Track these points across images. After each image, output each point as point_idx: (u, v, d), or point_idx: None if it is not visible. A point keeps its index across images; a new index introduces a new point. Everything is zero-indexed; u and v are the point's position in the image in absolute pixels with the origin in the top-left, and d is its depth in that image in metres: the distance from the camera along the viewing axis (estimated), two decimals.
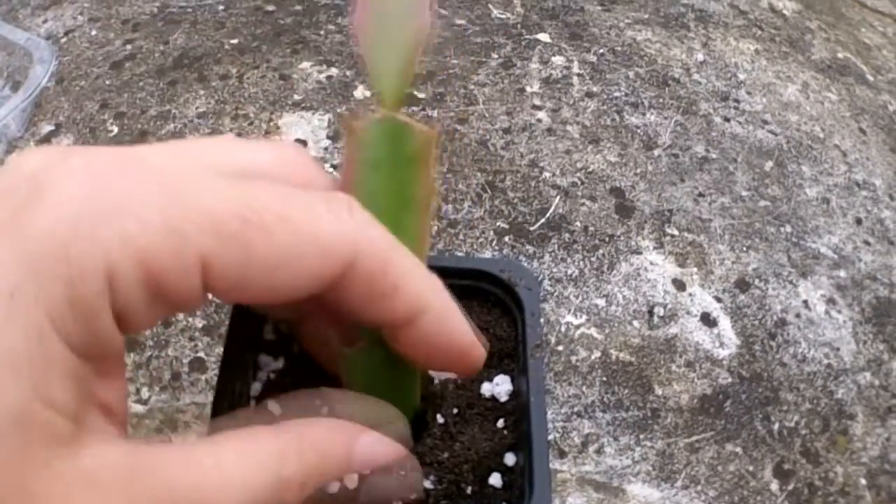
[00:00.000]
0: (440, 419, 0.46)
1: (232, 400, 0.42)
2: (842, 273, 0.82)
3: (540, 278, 0.75)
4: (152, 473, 0.25)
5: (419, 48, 0.34)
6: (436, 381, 0.48)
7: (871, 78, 1.11)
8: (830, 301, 0.79)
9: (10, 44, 0.95)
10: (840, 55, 1.14)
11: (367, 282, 0.29)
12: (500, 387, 0.48)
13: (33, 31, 1.03)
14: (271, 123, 0.89)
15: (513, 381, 0.48)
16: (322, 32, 1.01)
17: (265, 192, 0.27)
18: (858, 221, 0.88)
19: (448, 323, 0.33)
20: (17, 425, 0.23)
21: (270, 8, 1.06)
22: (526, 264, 0.76)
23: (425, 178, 0.36)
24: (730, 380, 0.71)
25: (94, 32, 1.03)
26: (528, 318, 0.48)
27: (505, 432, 0.46)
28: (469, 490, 0.43)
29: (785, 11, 1.20)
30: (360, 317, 0.31)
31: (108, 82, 0.95)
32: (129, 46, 1.00)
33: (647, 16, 1.11)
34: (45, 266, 0.23)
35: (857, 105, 1.04)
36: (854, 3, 1.32)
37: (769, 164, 0.91)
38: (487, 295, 0.51)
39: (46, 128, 0.89)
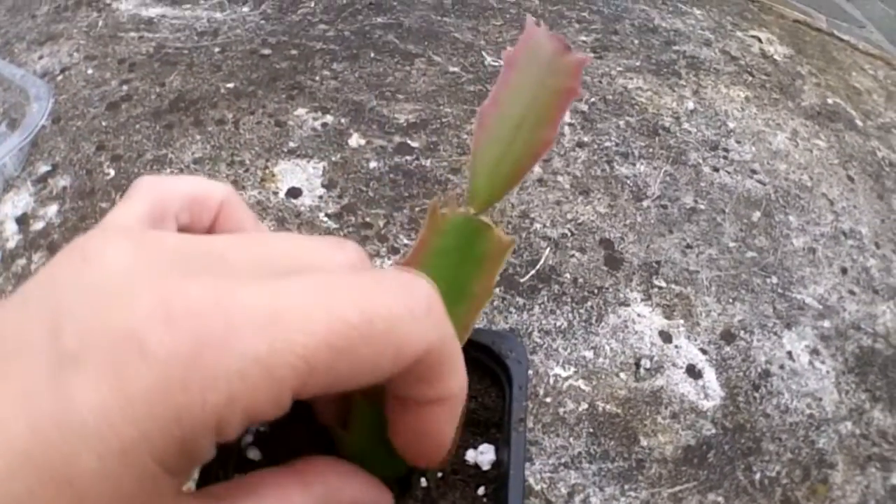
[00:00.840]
0: (423, 482, 0.49)
1: (221, 451, 0.45)
2: (826, 323, 0.85)
3: (530, 330, 0.78)
4: None
5: (531, 165, 0.36)
6: None
7: (860, 123, 1.14)
8: (814, 352, 0.82)
9: (6, 79, 0.96)
10: (830, 101, 1.17)
11: (423, 370, 0.30)
12: (483, 455, 0.51)
13: (29, 66, 1.05)
14: (266, 171, 0.91)
15: (496, 450, 0.51)
16: (317, 78, 1.04)
17: (355, 292, 0.28)
18: (844, 271, 0.91)
19: (452, 419, 0.35)
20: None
21: (266, 52, 1.09)
22: (521, 323, 0.79)
23: (488, 279, 0.39)
24: (713, 431, 0.74)
25: (90, 71, 1.05)
26: (516, 391, 0.51)
27: (485, 500, 0.49)
28: None
29: (776, 57, 1.23)
30: (388, 388, 0.33)
31: (104, 123, 0.97)
32: (125, 87, 1.02)
33: (638, 63, 1.14)
34: (156, 428, 0.25)
35: (846, 152, 1.07)
36: (845, 47, 1.35)
37: (757, 215, 0.94)
38: (478, 363, 0.54)
39: (43, 168, 0.91)
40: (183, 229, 0.32)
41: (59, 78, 1.04)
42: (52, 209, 0.87)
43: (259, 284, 0.25)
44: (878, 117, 1.18)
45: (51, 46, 1.10)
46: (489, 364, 0.53)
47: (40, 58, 1.07)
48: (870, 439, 0.77)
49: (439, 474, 0.50)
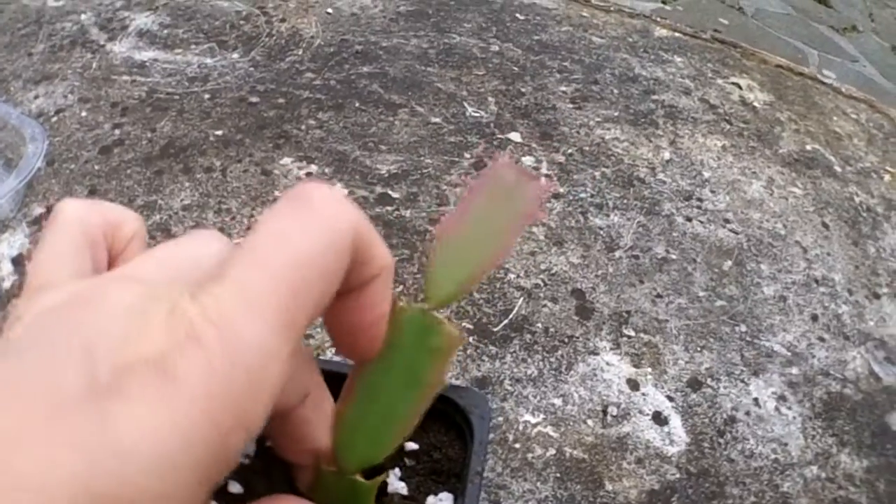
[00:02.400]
0: None
1: None
2: (794, 370, 0.89)
3: (501, 378, 0.83)
4: None
5: (485, 275, 0.44)
6: (387, 495, 0.57)
7: (839, 169, 1.18)
8: (781, 398, 0.86)
9: (1, 119, 1.00)
10: (808, 147, 1.21)
11: (362, 252, 0.34)
12: (442, 502, 0.57)
13: (25, 105, 1.09)
14: (252, 219, 0.95)
15: (455, 499, 0.57)
16: (303, 127, 1.09)
17: None
18: (814, 318, 0.95)
19: (388, 287, 0.41)
20: None
21: (254, 99, 1.13)
22: (493, 371, 0.84)
23: (439, 371, 0.47)
24: (678, 475, 0.78)
25: (83, 113, 1.09)
26: (476, 445, 0.57)
27: None
28: None
29: (756, 104, 1.28)
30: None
31: (97, 167, 1.01)
32: (117, 131, 1.06)
33: (616, 113, 1.19)
34: (201, 447, 0.30)
35: (822, 199, 1.12)
36: (828, 90, 1.39)
37: (728, 264, 0.99)
38: (446, 417, 0.60)
39: (37, 210, 0.95)
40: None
41: (54, 119, 1.08)
42: None
43: (220, 287, 0.29)
44: (857, 162, 1.22)
45: (46, 86, 1.13)
46: (455, 418, 0.59)
47: (36, 97, 1.11)
48: (836, 482, 0.81)
49: None
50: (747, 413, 0.85)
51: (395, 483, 0.57)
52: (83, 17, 1.27)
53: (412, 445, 0.59)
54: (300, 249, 0.30)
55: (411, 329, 0.47)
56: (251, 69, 1.18)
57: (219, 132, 1.07)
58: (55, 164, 1.01)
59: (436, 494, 0.58)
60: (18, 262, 0.89)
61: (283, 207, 0.32)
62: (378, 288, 0.39)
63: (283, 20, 1.30)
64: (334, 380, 0.49)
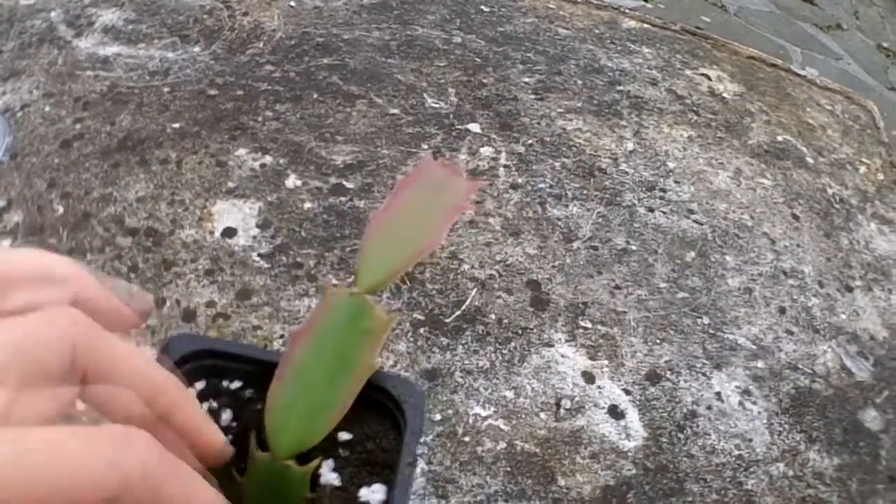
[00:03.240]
0: None
1: None
2: (760, 364, 0.88)
3: (452, 369, 0.81)
4: None
5: (414, 263, 0.45)
6: (320, 486, 0.55)
7: (811, 161, 1.17)
8: (745, 392, 0.85)
9: None
10: (780, 138, 1.20)
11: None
12: (375, 494, 0.55)
13: None
14: (205, 210, 0.94)
15: (388, 491, 0.56)
16: (260, 119, 1.07)
17: None
18: (782, 311, 0.94)
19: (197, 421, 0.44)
20: None
21: (213, 92, 1.12)
22: (444, 362, 0.82)
23: (370, 354, 0.47)
24: (634, 471, 0.77)
25: (47, 108, 1.08)
26: (409, 435, 0.56)
27: None
28: None
29: (725, 95, 1.26)
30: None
31: (57, 161, 1.00)
32: (78, 125, 1.05)
33: (580, 104, 1.17)
34: None
35: (793, 189, 1.10)
36: (801, 82, 1.38)
37: (691, 255, 0.98)
38: (380, 406, 0.59)
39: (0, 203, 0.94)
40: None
41: (20, 114, 1.07)
42: (5, 244, 0.90)
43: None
44: (831, 153, 1.20)
45: (14, 83, 1.12)
46: (391, 408, 0.57)
47: (3, 94, 1.10)
48: (804, 481, 0.79)
49: None
50: (709, 407, 0.83)
51: (328, 474, 0.55)
52: (52, 14, 1.26)
53: (346, 436, 0.58)
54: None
55: (342, 313, 0.47)
56: (212, 62, 1.17)
57: (176, 125, 1.06)
58: (18, 157, 1.00)
59: (369, 486, 0.56)
60: None
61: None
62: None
63: (245, 14, 1.28)
64: (271, 369, 0.48)
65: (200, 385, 0.55)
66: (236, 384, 0.55)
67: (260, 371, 0.52)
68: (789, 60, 3.12)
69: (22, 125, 1.05)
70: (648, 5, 3.32)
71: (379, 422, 0.59)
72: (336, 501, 0.55)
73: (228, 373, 0.55)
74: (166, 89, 1.12)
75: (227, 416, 0.54)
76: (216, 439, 0.45)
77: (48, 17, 1.26)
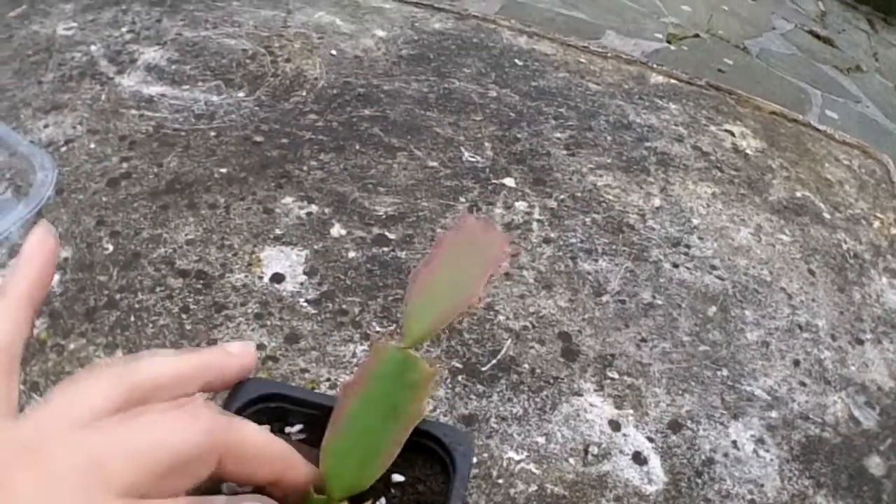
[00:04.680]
0: None
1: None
2: (774, 413, 0.93)
3: (487, 416, 0.87)
4: None
5: (455, 317, 0.51)
6: None
7: (827, 216, 1.22)
8: (759, 441, 0.90)
9: (11, 146, 1.03)
10: (798, 194, 1.25)
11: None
12: None
13: (34, 133, 1.12)
14: (253, 255, 0.99)
15: None
16: (305, 168, 1.13)
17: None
18: (796, 363, 0.99)
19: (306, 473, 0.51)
20: None
21: (259, 139, 1.17)
22: (480, 409, 0.88)
23: (417, 403, 0.53)
24: None
25: (92, 145, 1.12)
26: (458, 481, 0.62)
27: None
28: None
29: (748, 151, 1.32)
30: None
31: (104, 199, 1.05)
32: (125, 164, 1.10)
33: (609, 160, 1.23)
34: None
35: (810, 245, 1.16)
36: (821, 136, 1.43)
37: (713, 310, 1.03)
38: (431, 453, 0.65)
39: None
40: None
41: (63, 149, 1.11)
42: (55, 279, 0.93)
43: None
44: (847, 209, 1.25)
45: (56, 116, 1.16)
46: (441, 454, 0.64)
47: (45, 126, 1.14)
48: None
49: None
50: (725, 455, 0.88)
51: None
52: (93, 48, 1.31)
53: (398, 478, 0.64)
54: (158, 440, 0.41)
55: (390, 366, 0.53)
56: (256, 108, 1.22)
57: (223, 169, 1.11)
58: (64, 193, 1.04)
59: None
60: None
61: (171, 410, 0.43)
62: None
63: (287, 60, 1.34)
64: (328, 412, 0.54)
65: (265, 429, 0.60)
66: (298, 427, 0.61)
67: (320, 415, 0.58)
68: (810, 104, 3.16)
69: (67, 161, 1.10)
70: (672, 47, 3.37)
71: (430, 466, 0.66)
72: None
73: (291, 415, 0.61)
74: (212, 133, 1.17)
75: None
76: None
77: (88, 50, 1.31)
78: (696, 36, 3.55)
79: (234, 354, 0.54)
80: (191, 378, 0.48)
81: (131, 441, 0.40)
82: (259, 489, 0.54)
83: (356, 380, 0.53)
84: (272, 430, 0.61)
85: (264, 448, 0.47)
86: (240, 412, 0.55)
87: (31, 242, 0.49)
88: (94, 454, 0.38)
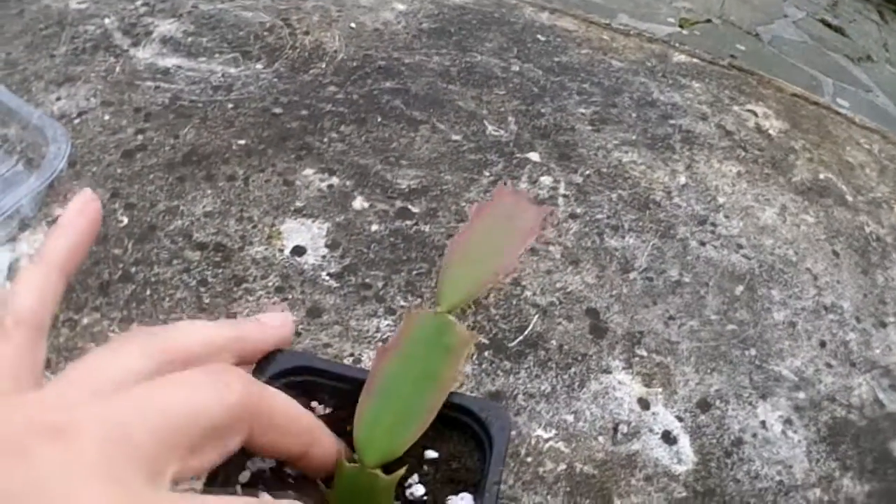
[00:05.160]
0: None
1: (222, 485, 0.54)
2: (801, 395, 0.91)
3: (515, 392, 0.85)
4: None
5: (491, 285, 0.50)
6: (410, 493, 0.59)
7: (850, 199, 1.21)
8: (787, 421, 0.88)
9: (23, 119, 1.01)
10: (822, 175, 1.23)
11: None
12: (462, 502, 0.60)
13: (46, 106, 1.11)
14: (273, 228, 0.98)
15: (474, 500, 0.60)
16: (325, 140, 1.11)
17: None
18: (822, 344, 0.97)
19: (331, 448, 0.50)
20: None
21: (278, 111, 1.16)
22: (508, 386, 0.86)
23: (453, 368, 0.52)
24: (685, 494, 0.80)
25: (106, 117, 1.11)
26: (495, 457, 0.60)
27: None
28: None
29: (771, 131, 1.30)
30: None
31: (119, 171, 1.03)
32: (140, 136, 1.08)
33: (634, 137, 1.21)
34: None
35: (834, 227, 1.14)
36: (842, 121, 1.42)
37: (740, 289, 1.01)
38: (467, 428, 0.63)
39: (58, 210, 0.97)
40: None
41: (77, 121, 1.10)
42: None
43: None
44: (869, 192, 1.24)
45: (68, 88, 1.15)
46: (476, 429, 0.62)
47: (58, 99, 1.13)
48: None
49: None
50: (754, 435, 0.87)
51: (415, 486, 0.60)
52: (106, 21, 1.29)
53: (432, 454, 0.62)
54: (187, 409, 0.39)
55: (426, 331, 0.51)
56: (275, 80, 1.21)
57: (242, 141, 1.09)
58: (77, 165, 1.03)
59: (457, 495, 0.60)
60: None
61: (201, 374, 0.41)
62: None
63: (306, 33, 1.32)
64: (356, 386, 0.53)
65: None
66: (327, 399, 0.59)
67: (349, 388, 0.56)
68: (822, 92, 3.15)
69: (80, 133, 1.08)
70: (684, 32, 3.36)
71: (464, 442, 0.64)
72: None
73: (319, 389, 0.59)
74: (230, 105, 1.16)
75: None
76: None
77: (102, 23, 1.29)
78: (709, 21, 3.53)
79: (272, 326, 0.52)
80: (224, 349, 0.47)
81: (160, 410, 0.38)
82: (277, 466, 0.53)
83: (391, 345, 0.52)
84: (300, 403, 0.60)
85: (295, 420, 0.46)
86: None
87: (72, 207, 0.48)
88: (119, 425, 0.36)
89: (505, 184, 1.08)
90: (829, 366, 0.95)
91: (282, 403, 0.45)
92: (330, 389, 0.59)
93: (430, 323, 0.51)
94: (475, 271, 0.50)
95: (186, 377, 0.40)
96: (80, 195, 0.48)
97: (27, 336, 0.41)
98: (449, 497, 0.61)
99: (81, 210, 0.48)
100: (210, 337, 0.46)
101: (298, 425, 0.46)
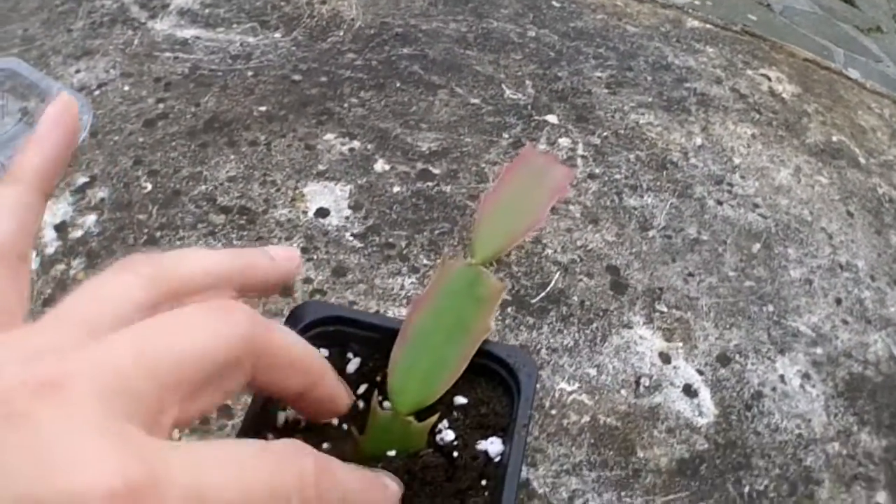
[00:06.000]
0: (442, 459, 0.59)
1: (256, 431, 0.54)
2: (818, 350, 0.92)
3: (539, 347, 0.85)
4: None
5: (523, 238, 0.51)
6: (440, 438, 0.60)
7: (863, 161, 1.20)
8: (805, 376, 0.89)
9: (44, 91, 1.00)
10: (835, 138, 1.23)
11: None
12: (492, 445, 0.60)
13: (65, 79, 1.11)
14: (297, 191, 0.98)
15: (504, 444, 0.61)
16: (345, 105, 1.11)
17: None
18: (838, 301, 0.98)
19: (335, 388, 0.49)
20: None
21: (297, 77, 1.16)
22: (531, 340, 0.87)
23: (485, 318, 0.52)
24: (706, 446, 0.81)
25: (126, 88, 1.11)
26: (523, 401, 0.61)
27: (486, 488, 0.59)
28: None
29: (784, 95, 1.30)
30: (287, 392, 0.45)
31: (140, 139, 1.04)
32: (161, 105, 1.09)
33: (650, 99, 1.21)
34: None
35: (847, 188, 1.14)
36: (853, 86, 1.41)
37: (757, 247, 1.02)
38: (495, 374, 0.63)
39: (81, 179, 0.98)
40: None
41: (97, 93, 1.10)
42: (91, 219, 0.93)
43: (184, 459, 0.33)
44: (881, 155, 1.23)
45: (87, 62, 1.15)
46: (504, 375, 0.63)
47: (77, 72, 1.13)
48: (856, 459, 0.83)
49: (455, 454, 0.59)
50: (773, 389, 0.87)
51: (445, 431, 0.60)
52: None
53: (461, 400, 0.63)
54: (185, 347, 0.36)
55: (459, 281, 0.52)
56: (293, 48, 1.21)
57: (262, 108, 1.09)
58: (98, 135, 1.03)
59: (486, 439, 0.61)
60: (61, 229, 0.91)
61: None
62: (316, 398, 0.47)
63: (323, 2, 1.32)
64: (387, 337, 0.53)
65: (324, 351, 0.59)
66: (359, 349, 0.60)
67: (379, 337, 0.57)
68: (833, 61, 3.14)
69: (100, 104, 1.08)
70: (696, 1, 3.34)
71: (492, 388, 0.64)
72: (455, 451, 0.60)
73: (352, 338, 0.60)
74: (250, 73, 1.16)
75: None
76: (343, 406, 0.50)
77: None
78: None
79: (277, 258, 0.48)
80: (228, 279, 0.43)
81: (161, 353, 0.35)
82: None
83: (425, 295, 0.52)
84: (330, 354, 0.60)
85: (299, 359, 0.43)
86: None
87: (47, 117, 0.43)
88: (118, 374, 0.33)
89: (517, 146, 1.08)
90: (845, 322, 0.95)
91: (287, 341, 0.42)
92: (362, 339, 0.59)
93: (463, 274, 0.52)
94: (506, 225, 0.51)
95: (189, 314, 0.37)
96: (56, 101, 0.43)
97: (6, 265, 0.39)
98: (478, 441, 0.62)
99: (57, 120, 0.43)
100: (214, 266, 0.43)
101: (302, 364, 0.43)
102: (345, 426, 0.60)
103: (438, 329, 0.50)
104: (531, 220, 0.52)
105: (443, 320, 0.51)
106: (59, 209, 0.93)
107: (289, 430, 0.56)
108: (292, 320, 0.63)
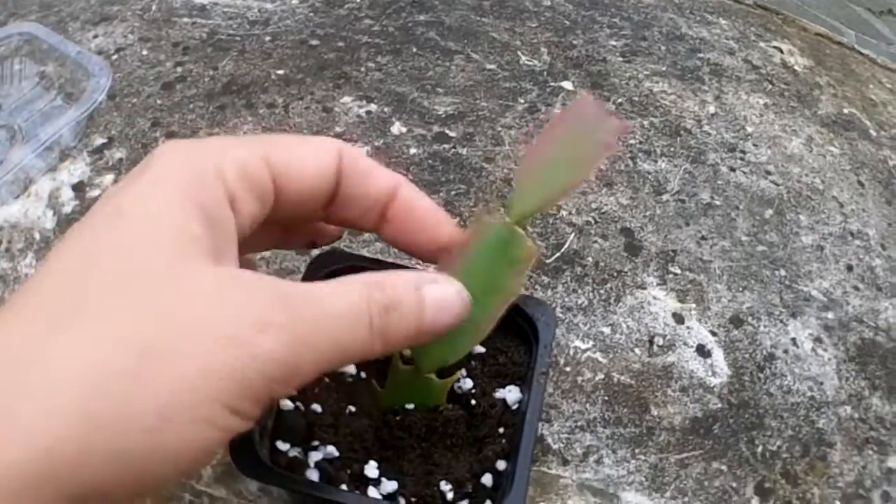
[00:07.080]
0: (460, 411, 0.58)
1: None
2: (830, 315, 0.91)
3: (553, 306, 0.85)
4: (280, 284, 0.39)
5: (564, 197, 0.49)
6: (458, 387, 0.59)
7: (874, 133, 1.19)
8: (817, 340, 0.88)
9: (63, 55, 1.01)
10: (846, 111, 1.22)
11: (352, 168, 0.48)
12: (511, 394, 0.60)
13: (84, 44, 1.10)
14: None
15: (521, 392, 0.60)
16: (363, 69, 1.11)
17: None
18: (850, 268, 0.97)
19: (420, 196, 0.52)
20: (174, 238, 0.36)
21: (314, 42, 1.15)
22: (545, 299, 0.86)
23: (517, 279, 0.51)
24: (719, 405, 0.80)
25: (144, 52, 1.11)
26: (542, 349, 0.60)
27: (503, 436, 0.58)
28: (466, 488, 0.55)
29: (796, 67, 1.29)
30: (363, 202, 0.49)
31: (159, 101, 1.03)
32: (179, 69, 1.08)
33: (664, 68, 1.20)
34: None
35: (858, 159, 1.13)
36: (864, 60, 1.40)
37: (769, 212, 1.01)
38: (512, 324, 0.62)
39: (99, 140, 0.97)
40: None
41: (115, 57, 1.10)
42: (108, 178, 0.93)
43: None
44: (891, 128, 1.22)
45: (105, 27, 1.14)
46: (521, 324, 0.62)
47: (95, 37, 1.13)
48: (867, 423, 0.82)
49: (473, 402, 0.58)
50: (785, 351, 0.86)
51: (463, 381, 0.59)
52: None
53: (479, 349, 0.62)
54: None
55: (494, 240, 0.50)
56: (311, 14, 1.20)
57: (280, 71, 1.09)
58: (116, 98, 1.03)
59: (504, 388, 0.60)
60: (79, 188, 0.91)
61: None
62: (405, 201, 0.51)
63: None
64: None
65: None
66: None
67: None
68: None
69: (118, 67, 1.08)
70: None
71: (510, 338, 0.64)
72: (472, 399, 0.60)
73: None
74: (268, 38, 1.15)
75: None
76: (447, 223, 0.52)
77: None
78: None
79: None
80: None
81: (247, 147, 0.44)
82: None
83: (457, 252, 0.51)
84: None
85: (383, 171, 0.51)
86: None
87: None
88: (206, 155, 0.41)
89: (533, 112, 1.07)
90: (856, 289, 0.94)
91: (371, 161, 0.50)
92: None
93: (499, 233, 0.50)
94: (548, 182, 0.49)
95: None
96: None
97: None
98: (496, 389, 0.61)
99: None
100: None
101: (390, 176, 0.52)
102: (363, 374, 0.59)
103: (468, 288, 0.49)
104: (575, 178, 0.49)
105: (474, 279, 0.49)
106: (77, 169, 0.93)
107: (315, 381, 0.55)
108: (314, 268, 0.62)
